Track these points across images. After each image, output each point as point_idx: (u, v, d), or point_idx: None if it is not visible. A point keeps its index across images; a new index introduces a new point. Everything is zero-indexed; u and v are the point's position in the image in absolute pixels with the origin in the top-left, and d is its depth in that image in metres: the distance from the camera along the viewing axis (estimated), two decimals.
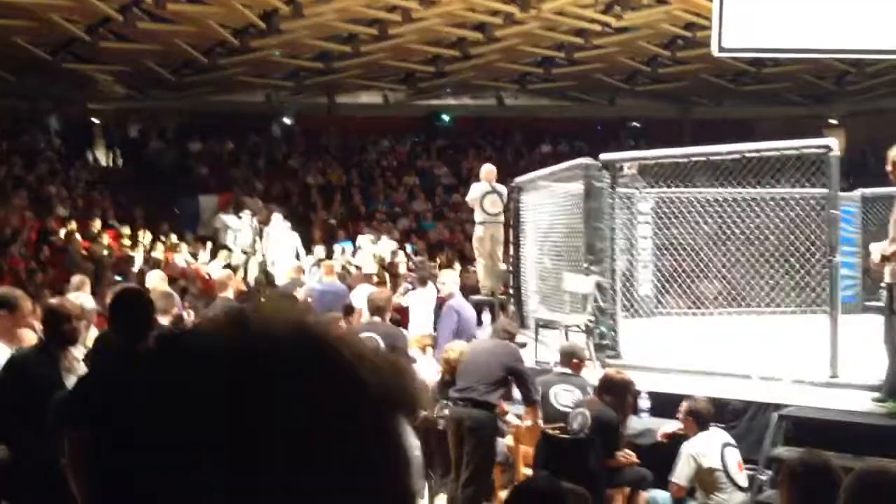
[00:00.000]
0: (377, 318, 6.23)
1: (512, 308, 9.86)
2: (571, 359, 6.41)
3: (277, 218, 14.96)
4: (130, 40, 16.26)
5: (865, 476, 2.55)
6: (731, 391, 6.35)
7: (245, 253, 14.31)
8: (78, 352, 4.67)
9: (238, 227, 15.49)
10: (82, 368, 4.54)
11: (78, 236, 14.42)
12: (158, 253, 14.53)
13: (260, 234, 15.13)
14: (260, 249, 14.79)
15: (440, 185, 20.73)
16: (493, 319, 9.81)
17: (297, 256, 14.30)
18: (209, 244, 15.36)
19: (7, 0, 14.16)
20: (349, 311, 9.40)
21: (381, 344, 5.96)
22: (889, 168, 5.59)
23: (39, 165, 17.36)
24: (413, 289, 10.11)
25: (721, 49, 8.29)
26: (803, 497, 2.55)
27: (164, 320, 5.92)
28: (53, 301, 4.38)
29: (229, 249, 14.74)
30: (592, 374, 6.79)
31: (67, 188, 16.88)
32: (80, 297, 7.81)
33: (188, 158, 20.11)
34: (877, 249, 5.63)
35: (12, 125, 18.56)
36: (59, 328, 4.35)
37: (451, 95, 21.61)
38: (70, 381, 4.30)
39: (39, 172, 17.06)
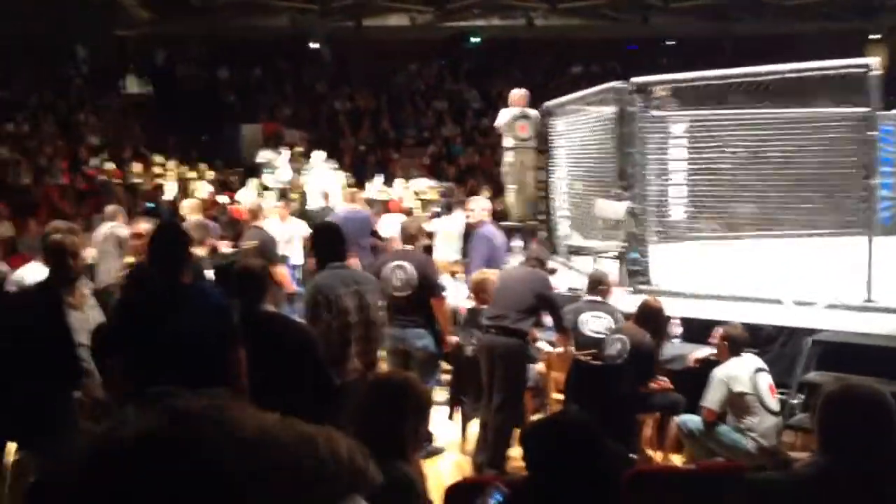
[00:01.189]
0: (409, 246, 6.25)
1: (543, 234, 9.82)
2: (598, 285, 6.42)
3: (319, 156, 14.47)
4: None
5: (838, 393, 2.58)
6: (763, 316, 6.32)
7: (282, 190, 14.01)
8: (86, 286, 4.71)
9: (277, 162, 15.05)
10: (91, 302, 4.60)
11: (110, 165, 14.54)
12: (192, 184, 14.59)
13: (299, 171, 14.69)
14: (298, 186, 14.40)
15: (469, 108, 20.49)
16: (524, 246, 9.80)
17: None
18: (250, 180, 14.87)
19: None
20: (377, 238, 9.45)
21: (413, 271, 6.00)
22: None
23: (69, 94, 17.41)
24: (440, 215, 10.11)
25: None
26: (840, 423, 2.54)
27: (199, 251, 5.98)
28: (56, 237, 4.39)
29: (264, 186, 14.54)
30: (623, 299, 6.80)
31: (97, 116, 16.94)
32: (115, 226, 7.91)
33: (216, 85, 20.03)
34: None
35: (41, 54, 18.56)
36: (63, 264, 4.38)
37: (480, 16, 21.15)
38: (75, 317, 4.36)
39: (69, 101, 17.12)
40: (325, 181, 12.99)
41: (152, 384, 3.69)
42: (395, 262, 6.10)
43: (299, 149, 15.30)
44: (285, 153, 15.09)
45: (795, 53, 17.84)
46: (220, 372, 3.73)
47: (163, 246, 3.90)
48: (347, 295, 4.75)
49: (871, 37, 21.07)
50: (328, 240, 5.04)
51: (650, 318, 5.79)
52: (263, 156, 16.01)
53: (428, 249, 9.01)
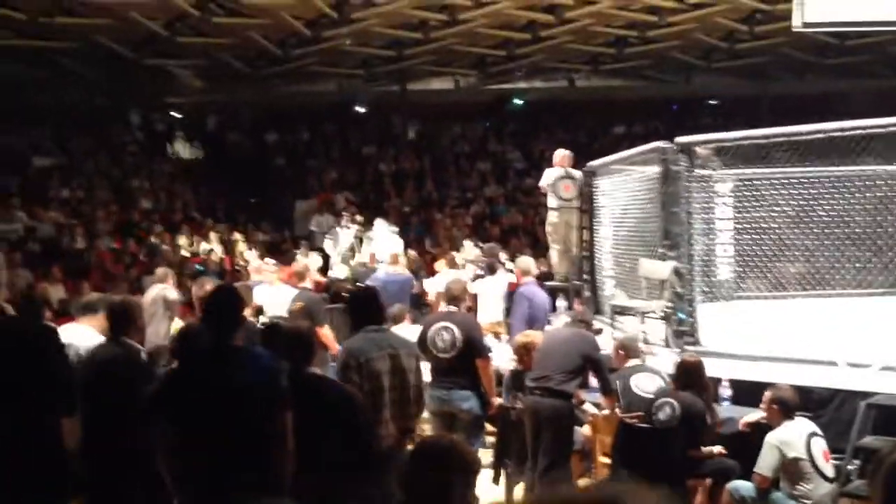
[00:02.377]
0: (453, 308, 6.26)
1: (587, 294, 9.77)
2: (627, 349, 6.34)
3: (380, 223, 14.24)
4: (206, 35, 16.62)
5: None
6: (816, 379, 6.17)
7: (344, 257, 13.91)
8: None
9: (337, 231, 14.83)
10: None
11: (160, 228, 14.88)
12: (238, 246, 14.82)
13: (360, 239, 14.52)
14: (358, 255, 14.09)
15: (512, 169, 20.65)
16: (569, 306, 9.75)
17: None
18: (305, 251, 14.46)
19: (89, 0, 14.64)
20: (419, 300, 9.44)
21: (459, 333, 5.99)
22: None
23: (124, 160, 17.95)
24: (482, 276, 10.12)
25: (804, 24, 7.99)
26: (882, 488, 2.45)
27: (245, 313, 6.07)
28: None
29: (324, 252, 14.37)
30: (671, 360, 6.70)
31: (150, 181, 17.40)
32: (165, 288, 8.07)
33: (265, 149, 20.51)
34: None
35: (97, 121, 19.23)
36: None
37: (523, 79, 21.45)
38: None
39: (124, 167, 17.64)
40: (390, 245, 12.82)
41: (200, 444, 3.74)
42: (441, 324, 6.10)
43: (358, 217, 15.26)
44: (346, 222, 14.93)
45: (833, 111, 17.77)
46: (270, 434, 3.75)
47: (216, 308, 3.98)
48: (380, 359, 4.72)
49: None
50: (364, 303, 5.06)
51: (690, 375, 5.69)
52: (317, 223, 16.18)
53: (471, 310, 9.01)
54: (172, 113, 20.77)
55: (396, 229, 14.33)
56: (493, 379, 6.26)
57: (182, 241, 14.61)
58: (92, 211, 15.15)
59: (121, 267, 13.07)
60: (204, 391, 3.75)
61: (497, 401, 6.25)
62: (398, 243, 13.36)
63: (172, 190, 17.33)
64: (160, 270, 8.87)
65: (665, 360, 6.65)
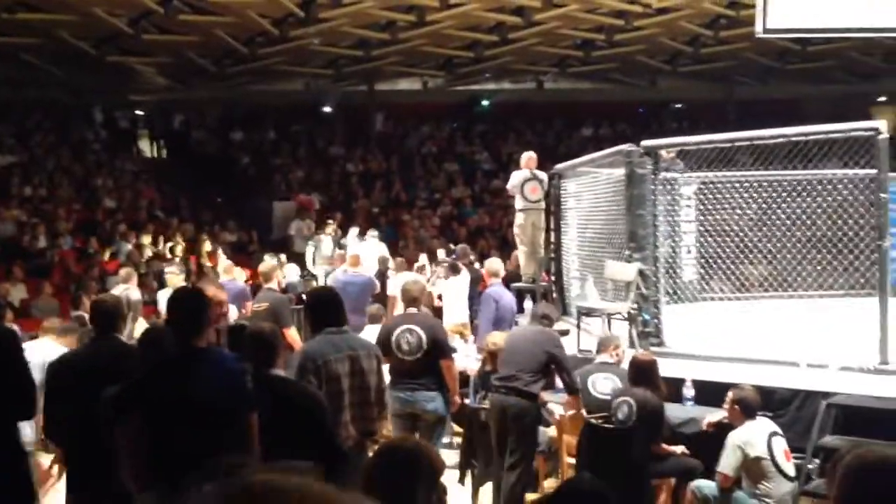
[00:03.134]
0: (413, 309, 6.21)
1: (554, 295, 9.83)
2: (610, 347, 6.38)
3: (372, 235, 13.94)
4: (172, 32, 16.45)
5: (864, 461, 2.48)
6: (777, 379, 6.25)
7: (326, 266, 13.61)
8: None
9: (320, 238, 14.60)
10: None
11: (124, 227, 14.69)
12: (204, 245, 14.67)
13: (338, 246, 14.25)
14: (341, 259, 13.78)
15: (480, 170, 20.70)
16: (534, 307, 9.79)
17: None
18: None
19: None
20: (379, 301, 9.36)
21: (423, 335, 5.97)
22: None
23: (86, 158, 17.69)
24: (445, 277, 10.11)
25: (766, 30, 8.11)
26: (855, 490, 2.48)
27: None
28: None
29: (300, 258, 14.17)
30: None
31: (114, 180, 17.18)
32: (128, 289, 7.97)
33: (230, 148, 20.34)
34: None
35: (59, 118, 18.94)
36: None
37: (491, 80, 21.52)
38: None
39: (87, 165, 17.38)
40: (376, 251, 12.64)
41: (167, 448, 3.69)
42: (404, 326, 6.06)
43: (333, 224, 15.10)
44: (330, 230, 14.78)
45: (800, 116, 18.06)
46: (234, 435, 3.72)
47: (180, 309, 3.93)
48: (339, 360, 4.66)
49: (877, 99, 21.28)
50: (322, 305, 4.99)
51: (642, 372, 5.73)
52: (296, 227, 15.95)
53: (437, 311, 9.00)
54: (136, 111, 20.53)
55: (376, 233, 14.17)
56: (457, 379, 6.26)
57: (146, 240, 14.44)
58: (54, 209, 14.92)
59: (82, 267, 12.89)
60: (168, 394, 3.71)
61: (458, 399, 6.25)
62: (382, 249, 13.17)
63: (136, 188, 17.13)
64: (123, 271, 8.77)
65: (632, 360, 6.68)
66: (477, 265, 11.46)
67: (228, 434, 3.68)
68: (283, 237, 16.42)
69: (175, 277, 8.26)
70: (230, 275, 8.63)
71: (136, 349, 4.64)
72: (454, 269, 9.84)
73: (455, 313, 9.32)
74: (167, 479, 3.67)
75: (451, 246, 14.07)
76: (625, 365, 6.30)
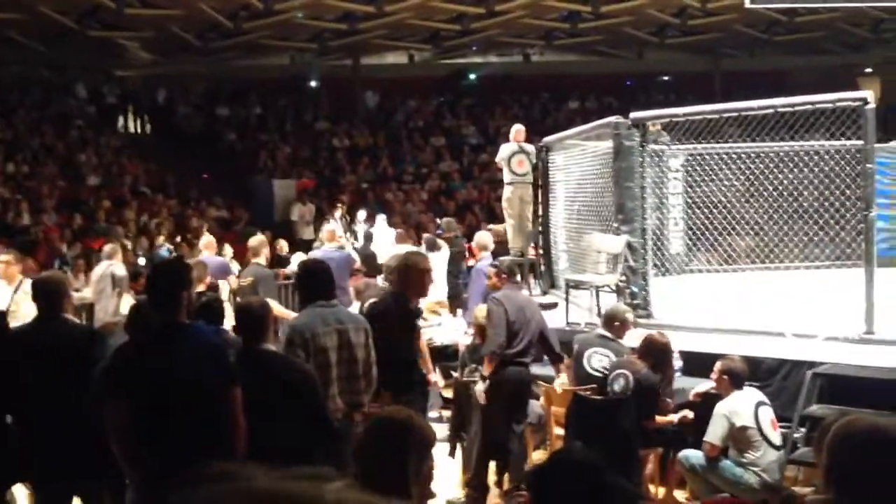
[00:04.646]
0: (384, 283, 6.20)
1: (542, 268, 9.84)
2: (614, 322, 6.31)
3: (381, 219, 13.64)
4: (155, 6, 16.25)
5: (852, 429, 2.50)
6: (764, 349, 6.30)
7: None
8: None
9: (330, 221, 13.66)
10: None
11: (108, 203, 14.59)
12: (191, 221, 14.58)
13: (349, 229, 13.83)
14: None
15: (467, 144, 20.64)
16: (523, 280, 9.78)
17: None
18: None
19: None
20: (354, 275, 9.26)
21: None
22: None
23: (70, 133, 17.51)
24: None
25: (754, 0, 8.09)
26: (845, 457, 2.50)
27: (199, 288, 5.97)
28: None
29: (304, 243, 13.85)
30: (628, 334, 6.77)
31: (98, 155, 17.02)
32: (113, 265, 7.92)
33: (216, 124, 20.18)
34: None
35: (42, 94, 18.72)
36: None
37: (477, 53, 21.40)
38: None
39: (70, 141, 17.21)
40: (388, 237, 12.20)
41: (153, 424, 3.69)
42: (374, 300, 6.09)
43: (345, 209, 14.80)
44: (338, 213, 14.39)
45: (788, 88, 18.06)
46: (219, 412, 3.72)
47: (158, 285, 3.92)
48: (327, 334, 4.65)
49: (864, 70, 21.30)
50: (311, 278, 4.98)
51: (654, 353, 5.76)
52: (299, 213, 15.64)
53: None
54: (120, 86, 20.31)
55: (384, 216, 13.79)
56: (427, 353, 6.25)
57: (130, 216, 14.34)
58: (37, 186, 14.78)
59: (66, 243, 12.81)
60: (149, 369, 3.71)
61: (433, 377, 6.26)
62: (391, 234, 12.56)
63: (120, 164, 16.98)
64: (108, 247, 8.70)
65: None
66: (464, 240, 11.43)
67: (211, 408, 3.69)
68: (284, 220, 16.08)
69: None
70: (211, 250, 8.58)
71: (79, 329, 4.61)
72: (432, 246, 9.79)
73: (431, 290, 9.19)
74: (155, 456, 3.68)
75: (438, 220, 14.03)
76: (626, 340, 6.26)
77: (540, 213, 10.03)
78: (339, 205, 15.00)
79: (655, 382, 5.66)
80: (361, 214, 14.34)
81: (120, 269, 7.70)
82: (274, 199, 17.02)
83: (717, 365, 5.63)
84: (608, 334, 6.21)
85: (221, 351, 3.89)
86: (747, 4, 8.30)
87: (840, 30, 19.84)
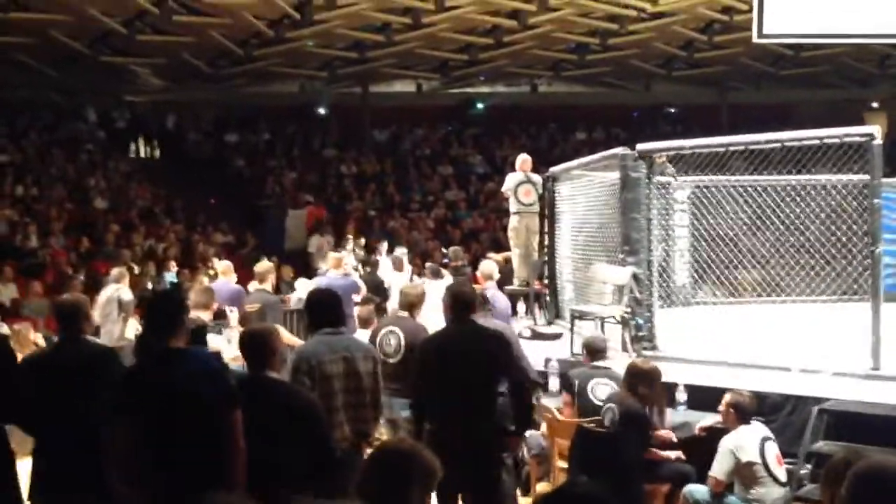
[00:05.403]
0: (405, 313, 6.19)
1: (547, 298, 9.83)
2: (595, 351, 6.33)
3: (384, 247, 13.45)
4: (167, 33, 16.42)
5: (869, 471, 2.48)
6: (770, 384, 6.26)
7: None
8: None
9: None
10: None
11: (116, 227, 14.65)
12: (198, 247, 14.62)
13: (366, 262, 13.53)
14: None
15: (474, 173, 20.71)
16: (528, 310, 9.78)
17: None
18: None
19: None
20: (365, 303, 9.22)
21: (403, 338, 5.93)
22: None
23: (79, 158, 17.64)
24: (427, 281, 9.99)
25: (762, 35, 8.16)
26: (849, 498, 2.48)
27: (204, 315, 5.97)
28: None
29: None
30: (628, 364, 6.74)
31: (106, 179, 17.12)
32: (119, 289, 7.94)
33: (224, 150, 20.31)
34: None
35: (52, 118, 18.88)
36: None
37: (485, 83, 21.54)
38: None
39: (79, 165, 17.33)
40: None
41: (154, 448, 3.69)
42: (388, 328, 6.07)
43: (358, 239, 14.61)
44: (351, 245, 14.12)
45: (794, 121, 18.10)
46: (218, 435, 3.72)
47: (155, 311, 3.95)
48: (333, 362, 4.64)
49: (870, 105, 21.37)
50: (319, 306, 4.98)
51: (642, 380, 5.70)
52: (316, 244, 15.28)
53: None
54: (130, 112, 20.47)
55: (405, 250, 13.38)
56: None
57: (138, 240, 14.39)
58: (46, 209, 14.86)
59: (73, 267, 12.85)
60: (151, 393, 3.73)
61: None
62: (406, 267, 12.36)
63: (129, 189, 17.07)
64: (115, 271, 8.73)
65: (622, 365, 6.68)
66: (469, 268, 11.41)
67: (210, 432, 3.70)
68: (298, 249, 15.86)
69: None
70: (228, 276, 8.56)
71: (103, 350, 4.62)
72: (436, 274, 9.76)
73: (433, 319, 9.14)
74: (154, 479, 3.68)
75: (444, 250, 14.01)
76: (613, 367, 6.27)
77: (546, 243, 10.05)
78: (349, 237, 14.78)
79: (641, 411, 5.61)
80: (383, 247, 13.83)
81: (126, 294, 7.72)
82: (285, 227, 16.95)
83: (725, 398, 5.60)
84: (600, 364, 6.20)
85: (220, 374, 3.91)
86: (754, 39, 8.35)
87: (846, 64, 19.94)
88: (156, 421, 3.69)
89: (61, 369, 4.34)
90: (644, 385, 5.68)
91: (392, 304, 9.64)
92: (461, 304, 5.01)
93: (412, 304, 6.18)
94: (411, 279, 11.17)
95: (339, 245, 14.60)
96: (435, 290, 9.52)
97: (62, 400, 4.25)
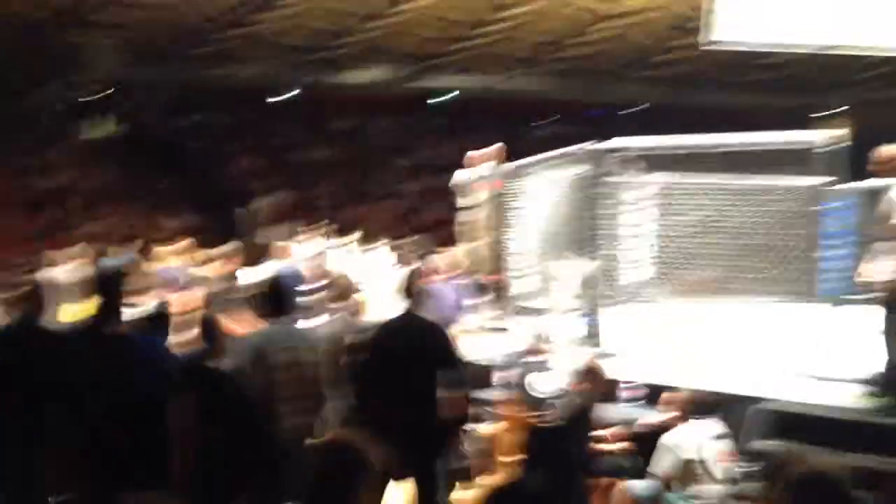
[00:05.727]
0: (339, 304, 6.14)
1: (497, 292, 9.85)
2: (539, 344, 6.41)
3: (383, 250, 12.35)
4: (128, 10, 16.14)
5: (811, 475, 2.53)
6: (710, 382, 6.36)
7: None
8: None
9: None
10: None
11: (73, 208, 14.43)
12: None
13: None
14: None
15: (437, 165, 20.69)
16: (476, 304, 9.78)
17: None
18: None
19: None
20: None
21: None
22: (871, 167, 5.64)
23: (34, 136, 17.30)
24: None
25: (711, 42, 8.29)
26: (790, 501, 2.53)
27: (146, 300, 5.88)
28: None
29: None
30: (577, 360, 6.81)
31: (61, 159, 16.83)
32: (65, 269, 7.82)
33: (182, 132, 20.06)
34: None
35: (7, 96, 18.47)
36: None
37: (451, 75, 21.50)
38: None
39: (34, 143, 17.01)
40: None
41: (94, 440, 3.64)
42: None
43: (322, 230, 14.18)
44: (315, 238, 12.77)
45: (753, 125, 18.29)
46: (161, 423, 3.70)
47: (98, 295, 3.91)
48: (277, 352, 4.64)
49: (825, 112, 21.77)
50: (267, 295, 4.96)
51: (586, 375, 5.79)
52: (275, 233, 14.82)
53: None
54: (88, 91, 20.09)
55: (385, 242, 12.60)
56: None
57: (93, 221, 14.19)
58: (2, 185, 14.58)
59: (28, 243, 12.63)
60: (85, 378, 3.68)
61: None
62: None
63: (85, 170, 16.79)
64: (71, 250, 8.57)
65: (570, 360, 6.74)
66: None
67: (154, 421, 3.66)
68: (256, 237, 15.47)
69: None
70: (173, 259, 8.46)
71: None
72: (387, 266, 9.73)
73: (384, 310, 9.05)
74: (95, 475, 3.64)
75: (405, 240, 13.89)
76: (561, 359, 6.33)
77: (500, 237, 10.07)
78: (313, 225, 14.33)
79: (587, 406, 5.69)
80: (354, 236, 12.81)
81: (69, 275, 7.59)
82: (246, 214, 16.79)
83: (669, 396, 5.68)
84: (542, 358, 6.28)
85: (164, 362, 3.88)
86: (702, 44, 8.49)
87: (800, 72, 20.26)
88: (96, 408, 3.66)
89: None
90: (590, 381, 5.76)
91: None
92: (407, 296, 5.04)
93: (340, 294, 6.12)
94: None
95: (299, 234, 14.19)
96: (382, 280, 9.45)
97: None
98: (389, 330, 5.11)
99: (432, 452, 5.09)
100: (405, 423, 4.78)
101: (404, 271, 9.34)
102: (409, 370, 4.92)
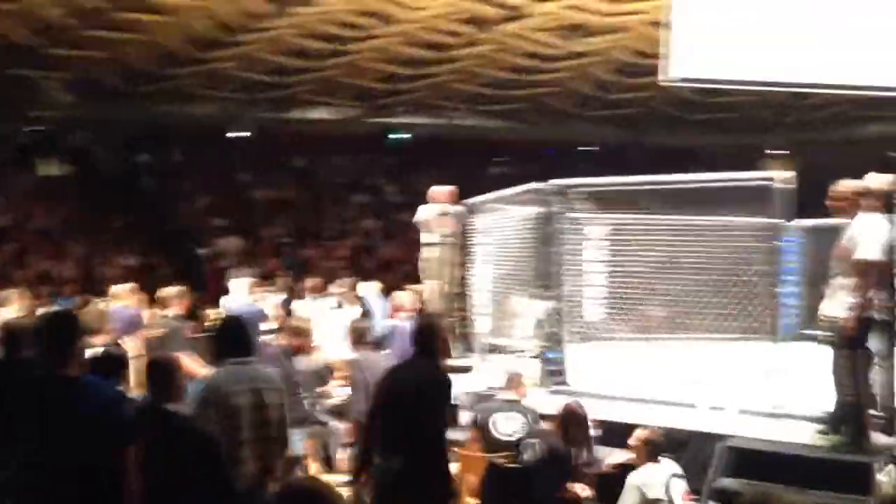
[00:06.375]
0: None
1: (460, 331, 9.80)
2: (515, 384, 6.37)
3: (368, 287, 11.64)
4: (79, 47, 15.93)
5: None
6: (677, 420, 6.36)
7: None
8: None
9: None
10: None
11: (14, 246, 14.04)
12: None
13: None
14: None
15: (391, 203, 20.68)
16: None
17: None
18: None
19: None
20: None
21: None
22: (829, 202, 5.75)
23: None
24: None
25: (668, 79, 8.45)
26: None
27: (98, 341, 5.72)
28: None
29: None
30: (542, 400, 6.77)
31: (7, 197, 16.42)
32: (5, 313, 7.57)
33: (135, 169, 19.76)
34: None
35: None
36: None
37: (405, 114, 21.59)
38: None
39: None
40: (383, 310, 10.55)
41: (38, 481, 3.49)
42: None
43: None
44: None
45: (703, 164, 18.71)
46: (111, 469, 3.57)
47: (50, 337, 3.76)
48: (240, 393, 4.49)
49: (772, 151, 22.31)
50: (227, 335, 4.82)
51: (572, 422, 5.76)
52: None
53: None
54: (37, 127, 19.72)
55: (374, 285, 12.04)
56: None
57: (35, 261, 13.82)
58: None
59: None
60: (42, 427, 3.53)
61: None
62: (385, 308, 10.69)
63: (32, 208, 16.41)
64: (6, 293, 8.28)
65: (536, 400, 6.70)
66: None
67: (102, 466, 3.54)
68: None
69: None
70: (125, 300, 8.21)
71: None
72: (339, 305, 9.63)
73: (339, 350, 8.93)
74: None
75: (357, 279, 13.72)
76: (528, 401, 6.30)
77: (460, 275, 10.04)
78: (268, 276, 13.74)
79: (566, 451, 5.64)
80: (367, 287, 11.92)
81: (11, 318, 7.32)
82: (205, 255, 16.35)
83: (636, 434, 5.65)
84: (512, 397, 6.22)
85: (117, 407, 3.74)
86: (661, 81, 8.66)
87: (750, 111, 20.78)
88: (50, 453, 3.51)
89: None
90: (575, 427, 5.74)
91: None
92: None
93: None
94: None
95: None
96: (337, 320, 9.30)
97: None
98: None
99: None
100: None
101: (353, 314, 9.26)
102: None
